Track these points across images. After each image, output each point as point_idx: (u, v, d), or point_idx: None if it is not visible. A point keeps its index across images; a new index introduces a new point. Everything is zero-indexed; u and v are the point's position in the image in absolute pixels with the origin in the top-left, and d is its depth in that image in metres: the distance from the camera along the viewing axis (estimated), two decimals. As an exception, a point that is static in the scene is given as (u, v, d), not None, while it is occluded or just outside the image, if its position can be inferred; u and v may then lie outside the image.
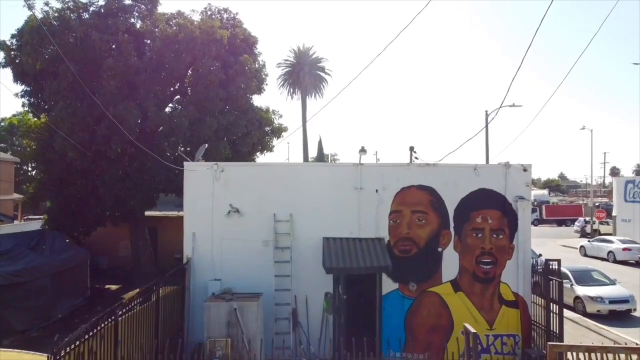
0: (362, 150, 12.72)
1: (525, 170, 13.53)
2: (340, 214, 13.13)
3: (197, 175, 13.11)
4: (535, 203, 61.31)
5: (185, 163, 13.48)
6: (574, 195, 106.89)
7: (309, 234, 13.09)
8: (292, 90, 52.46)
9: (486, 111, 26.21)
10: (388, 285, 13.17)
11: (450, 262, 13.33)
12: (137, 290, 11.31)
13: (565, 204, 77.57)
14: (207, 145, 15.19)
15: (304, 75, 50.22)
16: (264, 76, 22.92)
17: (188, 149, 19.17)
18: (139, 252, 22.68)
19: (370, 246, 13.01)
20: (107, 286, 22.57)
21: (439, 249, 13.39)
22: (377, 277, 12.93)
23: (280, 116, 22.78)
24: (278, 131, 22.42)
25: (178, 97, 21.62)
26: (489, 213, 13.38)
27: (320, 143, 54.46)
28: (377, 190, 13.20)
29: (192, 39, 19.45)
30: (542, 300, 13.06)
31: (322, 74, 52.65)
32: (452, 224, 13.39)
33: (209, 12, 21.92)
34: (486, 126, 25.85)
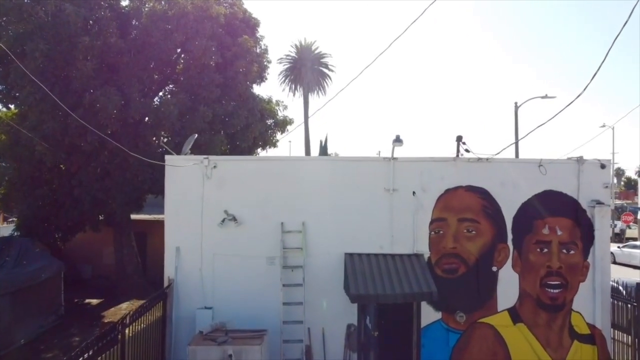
0: (397, 141, 9.40)
1: (603, 167, 10.20)
2: (367, 223, 9.82)
3: (183, 172, 9.77)
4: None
5: (167, 157, 10.14)
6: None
7: (327, 248, 9.77)
8: (293, 87, 49.17)
9: (515, 103, 23.10)
10: (428, 314, 9.87)
11: (508, 285, 10.03)
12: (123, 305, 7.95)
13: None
14: (196, 135, 11.84)
15: (306, 71, 46.90)
16: (266, 63, 19.51)
17: (177, 142, 15.84)
18: (124, 261, 19.26)
19: (407, 265, 9.70)
20: (87, 300, 19.15)
21: (494, 268, 10.09)
22: (414, 304, 9.64)
23: (285, 107, 19.36)
24: (282, 124, 19.01)
25: (169, 84, 18.22)
26: (557, 222, 10.06)
27: (324, 141, 50.29)
28: (414, 193, 9.90)
29: (184, 14, 16.07)
30: (627, 336, 9.81)
31: (325, 70, 49.37)
32: (510, 236, 10.09)
33: (203, -13, 18.56)
34: (516, 119, 22.61)
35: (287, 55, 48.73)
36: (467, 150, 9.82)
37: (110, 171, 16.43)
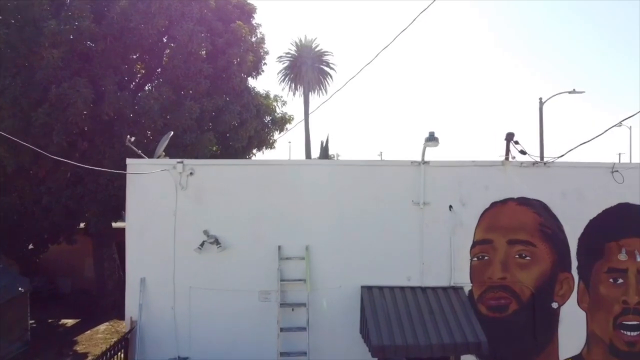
0: (431, 139, 6.84)
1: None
2: (390, 247, 7.34)
3: (149, 180, 7.28)
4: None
5: (128, 160, 7.68)
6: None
7: (339, 280, 7.29)
8: (293, 86, 46.61)
9: (540, 98, 20.71)
10: (470, 364, 7.43)
11: (573, 326, 7.52)
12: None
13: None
14: (172, 133, 9.32)
15: (307, 69, 44.33)
16: (263, 53, 16.99)
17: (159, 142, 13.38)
18: (105, 275, 16.74)
19: (443, 302, 7.22)
20: (62, 321, 16.62)
21: (554, 305, 7.60)
22: (452, 357, 7.17)
23: (284, 103, 16.72)
24: (281, 122, 16.46)
25: (155, 77, 15.68)
26: (636, 244, 7.62)
27: (325, 142, 47.71)
28: (451, 207, 7.43)
29: (168, -6, 13.63)
30: None
31: (326, 69, 46.81)
32: (574, 263, 7.61)
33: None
34: (540, 116, 20.14)
35: (287, 53, 46.13)
36: (522, 152, 7.31)
37: (83, 176, 13.93)
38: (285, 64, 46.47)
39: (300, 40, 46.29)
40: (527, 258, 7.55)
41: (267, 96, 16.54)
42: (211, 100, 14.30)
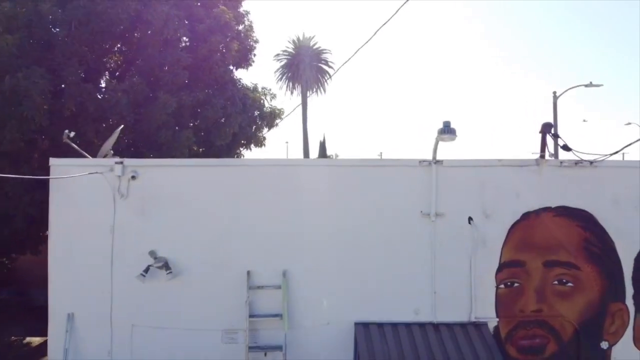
0: (447, 132, 5.08)
1: None
2: (392, 272, 5.65)
3: (78, 186, 5.59)
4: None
5: (51, 160, 6.01)
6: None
7: (326, 315, 5.55)
8: (291, 85, 45.03)
9: (554, 92, 19.07)
10: None
11: (628, 373, 5.86)
12: None
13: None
14: (122, 126, 7.62)
15: (304, 67, 42.75)
16: (252, 43, 15.23)
17: (128, 141, 11.75)
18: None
19: (461, 342, 5.50)
20: (27, 339, 14.90)
21: (604, 345, 5.87)
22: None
23: (274, 96, 14.94)
24: (270, 117, 14.74)
25: (128, 65, 13.95)
26: None
27: (323, 143, 46.12)
28: (471, 219, 5.72)
29: (139, -27, 11.95)
30: None
31: (325, 67, 45.24)
32: (630, 290, 5.90)
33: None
34: (554, 111, 18.45)
35: (284, 51, 44.51)
36: (564, 147, 5.56)
37: (44, 181, 12.21)
38: (283, 62, 44.92)
39: (298, 38, 44.72)
40: (569, 285, 5.81)
41: (255, 89, 14.79)
42: (190, 94, 12.59)
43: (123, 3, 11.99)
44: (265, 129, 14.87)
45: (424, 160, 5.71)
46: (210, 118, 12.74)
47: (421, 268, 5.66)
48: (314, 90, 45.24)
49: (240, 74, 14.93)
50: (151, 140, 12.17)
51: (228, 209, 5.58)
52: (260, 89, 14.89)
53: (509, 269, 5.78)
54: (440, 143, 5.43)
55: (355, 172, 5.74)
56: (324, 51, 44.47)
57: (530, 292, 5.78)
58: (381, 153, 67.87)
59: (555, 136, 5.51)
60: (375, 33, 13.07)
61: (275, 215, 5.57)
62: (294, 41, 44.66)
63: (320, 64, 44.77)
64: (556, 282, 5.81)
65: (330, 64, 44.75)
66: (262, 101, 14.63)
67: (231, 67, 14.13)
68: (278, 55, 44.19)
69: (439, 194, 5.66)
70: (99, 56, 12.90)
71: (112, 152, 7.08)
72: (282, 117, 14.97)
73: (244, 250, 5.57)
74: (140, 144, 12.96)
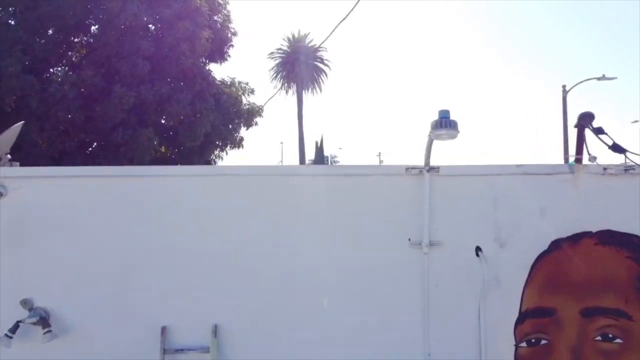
0: (444, 126, 3.50)
1: None
2: (370, 326, 4.02)
3: None
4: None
5: None
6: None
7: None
8: (286, 84, 43.73)
9: (564, 86, 17.40)
10: None
11: None
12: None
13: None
14: (22, 123, 5.92)
15: (300, 65, 41.45)
16: (230, 34, 13.61)
17: (78, 141, 10.10)
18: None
19: None
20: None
21: None
22: None
23: (252, 91, 13.29)
24: (249, 115, 13.09)
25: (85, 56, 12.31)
26: None
27: (320, 145, 44.57)
28: (479, 250, 4.10)
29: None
30: None
31: (321, 65, 43.95)
32: (701, 348, 4.27)
33: None
34: (564, 106, 16.77)
35: (279, 49, 43.23)
36: (614, 148, 3.90)
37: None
38: (277, 61, 43.66)
39: (293, 35, 43.49)
40: (617, 341, 4.14)
41: (231, 84, 13.14)
42: (152, 88, 10.97)
43: (74, -16, 10.40)
44: (243, 128, 13.24)
45: (414, 167, 4.04)
46: (176, 114, 11.11)
47: (409, 319, 3.98)
48: (310, 89, 43.97)
49: (215, 68, 13.34)
50: (107, 140, 10.57)
51: (135, 235, 3.91)
52: (237, 83, 13.25)
53: (534, 320, 4.10)
54: (436, 142, 3.74)
55: (315, 183, 4.06)
56: (320, 49, 43.10)
57: (563, 352, 4.10)
58: (380, 153, 65.79)
59: (599, 131, 3.82)
60: (355, 5, 11.37)
61: (200, 244, 3.91)
62: (288, 38, 43.39)
63: (316, 62, 43.46)
64: (599, 338, 4.12)
65: (326, 62, 43.42)
66: (238, 97, 12.99)
67: (203, 60, 12.52)
68: (272, 53, 42.92)
69: (434, 215, 3.99)
70: (48, 45, 11.29)
71: (8, 156, 5.42)
72: (262, 114, 13.31)
73: (157, 295, 3.90)
74: (92, 146, 11.32)
